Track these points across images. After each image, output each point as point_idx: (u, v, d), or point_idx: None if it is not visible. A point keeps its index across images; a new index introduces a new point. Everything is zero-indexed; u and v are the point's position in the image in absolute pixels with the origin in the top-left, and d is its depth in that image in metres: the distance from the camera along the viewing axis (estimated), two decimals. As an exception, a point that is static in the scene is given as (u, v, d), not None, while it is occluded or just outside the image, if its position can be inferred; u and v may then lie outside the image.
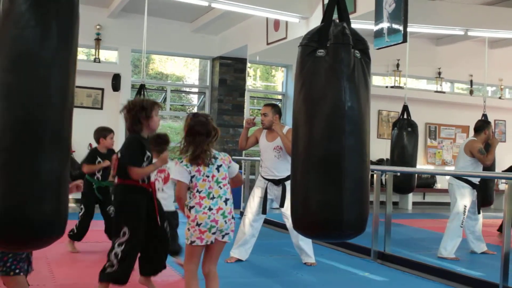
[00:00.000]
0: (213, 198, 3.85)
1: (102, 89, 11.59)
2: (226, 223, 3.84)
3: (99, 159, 6.46)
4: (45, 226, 2.45)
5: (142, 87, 8.62)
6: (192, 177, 3.89)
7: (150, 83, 11.92)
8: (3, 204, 2.37)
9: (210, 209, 3.82)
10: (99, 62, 11.47)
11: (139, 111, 4.44)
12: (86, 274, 5.26)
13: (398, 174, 8.22)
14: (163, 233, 4.68)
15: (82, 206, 6.45)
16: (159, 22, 11.02)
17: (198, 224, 3.80)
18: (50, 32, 2.42)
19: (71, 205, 9.16)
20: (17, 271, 3.33)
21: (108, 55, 12.11)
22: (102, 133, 6.62)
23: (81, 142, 9.96)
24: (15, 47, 2.40)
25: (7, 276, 3.34)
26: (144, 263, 4.65)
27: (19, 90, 2.39)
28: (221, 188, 3.90)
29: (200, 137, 3.89)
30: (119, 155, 4.56)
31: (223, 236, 3.85)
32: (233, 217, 3.93)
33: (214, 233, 3.81)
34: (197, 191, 3.88)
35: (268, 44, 10.27)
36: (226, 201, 3.89)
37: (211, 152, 3.92)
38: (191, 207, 3.86)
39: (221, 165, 3.94)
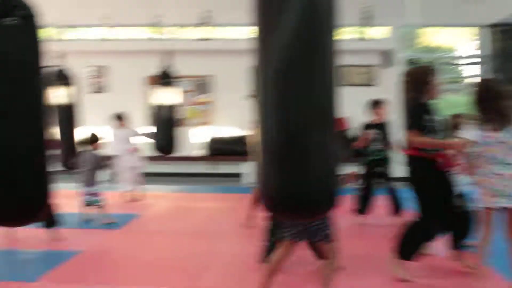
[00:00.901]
0: (507, 164, 3.88)
1: (373, 66, 11.73)
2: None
3: (372, 130, 6.67)
4: (319, 199, 2.76)
5: (412, 61, 8.55)
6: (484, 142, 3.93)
7: (421, 57, 11.70)
8: (285, 180, 2.68)
9: (500, 174, 3.82)
10: (369, 40, 11.61)
11: (419, 78, 4.50)
12: (377, 246, 5.48)
13: None
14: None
15: (363, 180, 6.69)
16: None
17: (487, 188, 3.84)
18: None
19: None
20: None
21: (377, 33, 12.14)
22: (376, 104, 6.79)
23: (354, 119, 10.22)
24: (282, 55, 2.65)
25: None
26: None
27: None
28: None
29: (497, 102, 3.91)
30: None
31: None
32: None
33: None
34: (489, 157, 3.91)
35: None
36: None
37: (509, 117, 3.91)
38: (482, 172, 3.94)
39: None
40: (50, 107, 7.54)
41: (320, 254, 3.88)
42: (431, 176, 4.42)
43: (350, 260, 4.84)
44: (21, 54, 2.88)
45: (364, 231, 6.56)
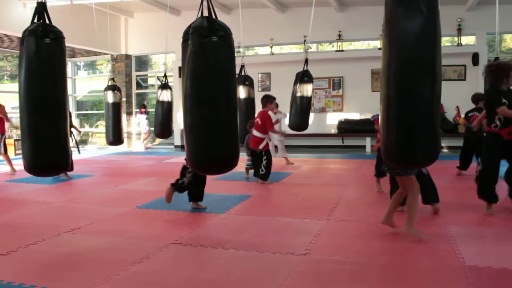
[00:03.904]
0: None
1: (464, 66, 11.01)
2: None
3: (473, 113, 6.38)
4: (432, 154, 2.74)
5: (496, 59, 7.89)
6: None
7: (504, 57, 10.78)
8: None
9: None
10: (461, 45, 10.90)
11: (500, 71, 4.29)
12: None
13: None
14: None
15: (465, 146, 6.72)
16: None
17: None
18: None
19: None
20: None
21: (467, 40, 11.35)
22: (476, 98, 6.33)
23: (449, 106, 9.79)
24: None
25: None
26: None
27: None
28: None
29: None
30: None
31: None
32: None
33: None
34: None
35: None
36: None
37: None
38: None
39: None
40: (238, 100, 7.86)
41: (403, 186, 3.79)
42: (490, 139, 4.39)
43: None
44: (222, 61, 2.88)
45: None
